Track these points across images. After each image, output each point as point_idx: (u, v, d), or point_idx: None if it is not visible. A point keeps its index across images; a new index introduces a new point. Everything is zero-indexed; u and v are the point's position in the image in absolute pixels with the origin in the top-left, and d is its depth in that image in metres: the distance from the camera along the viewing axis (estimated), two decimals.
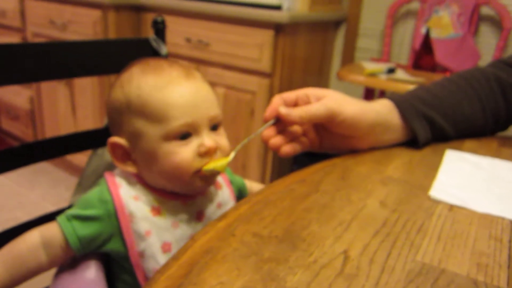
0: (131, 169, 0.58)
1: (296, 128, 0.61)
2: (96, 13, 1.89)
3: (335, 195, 0.50)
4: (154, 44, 0.78)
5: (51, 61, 0.70)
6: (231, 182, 0.68)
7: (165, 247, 0.56)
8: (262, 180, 1.76)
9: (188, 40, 1.77)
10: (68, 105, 2.15)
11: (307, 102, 0.60)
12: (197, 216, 0.60)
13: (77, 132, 0.76)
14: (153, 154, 0.55)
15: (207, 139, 0.55)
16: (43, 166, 2.38)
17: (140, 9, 1.92)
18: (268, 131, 0.58)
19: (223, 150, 0.57)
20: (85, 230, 0.54)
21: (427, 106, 0.67)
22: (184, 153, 0.54)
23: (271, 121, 0.58)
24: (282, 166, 1.80)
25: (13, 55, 0.65)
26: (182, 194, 0.59)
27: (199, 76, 0.59)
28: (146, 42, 0.78)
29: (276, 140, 0.58)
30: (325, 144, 0.65)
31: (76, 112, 2.14)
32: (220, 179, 0.66)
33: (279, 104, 0.59)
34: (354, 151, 0.64)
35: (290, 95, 0.61)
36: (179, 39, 1.79)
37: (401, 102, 0.66)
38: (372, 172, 0.57)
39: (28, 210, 1.91)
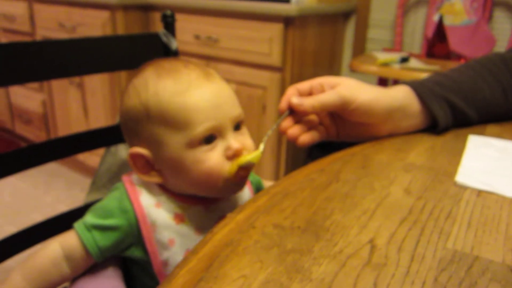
0: (156, 179, 0.54)
1: (313, 117, 0.60)
2: (104, 14, 1.89)
3: (356, 183, 0.49)
4: (164, 38, 0.76)
5: (61, 59, 0.69)
6: (251, 182, 0.66)
7: None
8: (276, 175, 1.74)
9: (197, 37, 1.76)
10: (80, 107, 2.16)
11: (321, 91, 0.59)
12: (220, 221, 0.58)
13: (89, 130, 0.75)
14: (180, 163, 0.52)
15: (233, 141, 0.52)
16: (58, 169, 2.39)
17: (148, 8, 1.92)
18: (285, 122, 0.57)
19: (248, 150, 0.54)
20: (106, 240, 0.53)
21: (446, 90, 0.64)
22: (212, 160, 0.51)
23: (286, 112, 0.57)
24: (296, 161, 1.78)
25: (22, 54, 0.65)
26: (205, 198, 0.56)
27: (217, 75, 0.56)
28: (156, 37, 0.77)
29: (294, 130, 0.57)
30: (342, 132, 0.63)
31: (88, 114, 2.14)
32: None
33: (292, 94, 0.58)
34: (372, 140, 0.62)
35: (304, 84, 0.59)
36: (188, 36, 1.78)
37: (419, 86, 0.64)
38: (394, 160, 0.55)
39: (44, 212, 1.91)
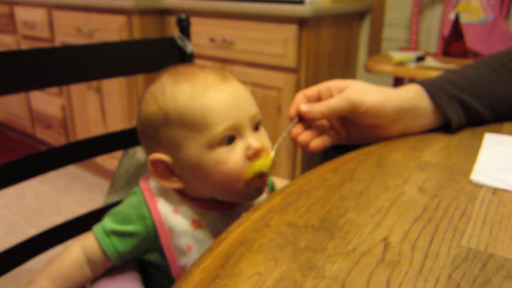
0: (177, 185, 0.54)
1: (323, 122, 0.60)
2: (121, 19, 1.92)
3: (370, 182, 0.49)
4: (179, 42, 0.78)
5: (79, 63, 0.70)
6: (267, 185, 0.66)
7: None
8: (292, 176, 1.75)
9: (212, 40, 1.77)
10: (98, 111, 2.20)
11: (330, 95, 0.59)
12: None
13: (107, 134, 0.76)
14: (200, 165, 0.52)
15: (253, 140, 0.52)
16: (78, 173, 2.44)
17: (164, 13, 1.94)
18: (296, 129, 0.58)
19: (267, 149, 0.54)
20: (125, 245, 0.54)
21: (458, 88, 0.64)
22: (233, 160, 0.51)
23: (296, 119, 0.58)
24: (312, 162, 1.78)
25: (42, 60, 0.67)
26: (223, 203, 0.57)
27: (233, 77, 0.56)
28: (171, 40, 0.78)
29: (304, 136, 0.57)
30: (353, 135, 0.63)
31: (106, 118, 2.18)
32: None
33: (301, 101, 0.58)
34: (387, 139, 0.62)
35: (312, 90, 0.60)
36: (203, 39, 1.80)
37: (430, 85, 0.63)
38: (408, 159, 0.55)
39: (65, 214, 1.95)
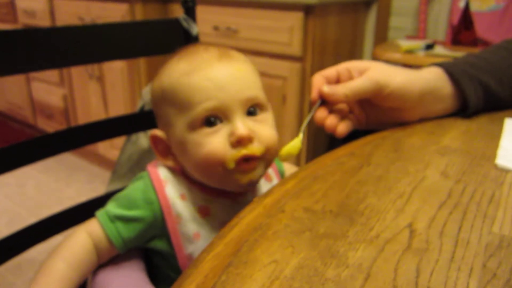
0: (170, 163, 0.53)
1: (343, 106, 0.57)
2: (123, 7, 1.88)
3: (389, 167, 0.46)
4: (184, 24, 0.74)
5: (79, 45, 0.67)
6: (278, 171, 0.63)
7: None
8: (297, 165, 1.72)
9: (216, 28, 1.74)
10: (100, 101, 2.17)
11: (350, 77, 0.56)
12: None
13: (108, 119, 0.73)
14: (183, 146, 0.50)
15: (239, 126, 0.47)
16: (79, 163, 2.41)
17: (167, 0, 1.90)
18: (321, 113, 0.54)
19: (262, 139, 0.49)
20: (130, 231, 0.51)
21: (479, 71, 0.61)
22: (211, 144, 0.47)
23: (318, 102, 0.54)
24: (317, 152, 1.75)
25: (40, 40, 0.63)
26: (231, 191, 0.54)
27: (238, 56, 0.53)
28: (176, 22, 0.75)
29: (331, 121, 0.54)
30: (371, 119, 0.60)
31: (108, 107, 2.15)
32: (270, 170, 0.60)
33: (321, 83, 0.54)
34: (402, 124, 0.59)
35: (331, 71, 0.56)
36: (207, 27, 1.76)
37: (452, 67, 0.60)
38: (427, 143, 0.52)
39: (66, 205, 1.91)
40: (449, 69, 0.60)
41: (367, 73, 0.54)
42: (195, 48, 0.53)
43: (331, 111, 0.55)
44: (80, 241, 0.51)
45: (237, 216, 0.37)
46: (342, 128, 0.54)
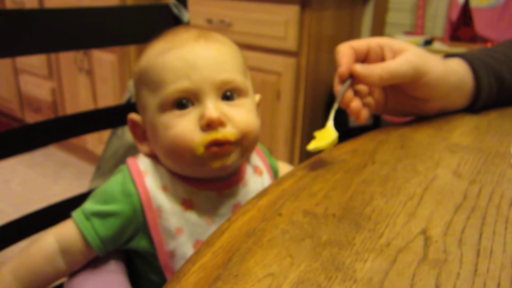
0: (146, 149, 0.50)
1: (364, 87, 0.50)
2: None
3: (396, 165, 0.42)
4: (174, 10, 0.70)
5: (64, 29, 0.62)
6: (270, 166, 0.58)
7: (198, 246, 0.48)
8: (290, 163, 1.68)
9: (210, 21, 1.69)
10: (89, 95, 2.11)
11: (381, 55, 0.50)
12: (234, 209, 0.51)
13: (95, 109, 0.68)
14: (154, 129, 0.47)
15: (210, 109, 0.43)
16: (67, 158, 2.36)
17: None
18: (348, 93, 0.47)
19: (237, 124, 0.45)
20: (107, 228, 0.46)
21: (496, 63, 0.56)
22: (179, 126, 0.44)
23: (349, 81, 0.47)
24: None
25: (23, 23, 0.59)
26: (216, 181, 0.50)
27: (218, 37, 0.49)
28: (166, 8, 0.70)
29: (357, 103, 0.47)
30: (390, 106, 0.54)
31: (98, 101, 2.09)
32: (260, 164, 0.56)
33: (349, 56, 0.48)
34: (403, 117, 0.55)
35: (361, 44, 0.49)
36: (200, 20, 1.71)
37: (473, 59, 0.55)
38: (435, 140, 0.48)
39: (52, 201, 1.87)
40: (472, 62, 0.55)
41: (405, 56, 0.48)
42: (177, 29, 0.50)
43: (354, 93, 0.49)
44: (42, 247, 0.46)
45: (228, 219, 0.33)
46: (365, 113, 0.48)
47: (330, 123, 0.45)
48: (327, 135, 0.43)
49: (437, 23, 1.74)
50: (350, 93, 0.47)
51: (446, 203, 0.35)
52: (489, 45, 1.51)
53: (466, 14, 1.57)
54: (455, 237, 0.31)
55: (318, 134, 0.44)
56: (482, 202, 0.35)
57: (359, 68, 0.47)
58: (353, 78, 0.47)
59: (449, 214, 0.33)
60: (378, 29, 1.84)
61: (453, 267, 0.27)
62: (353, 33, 1.83)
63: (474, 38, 1.58)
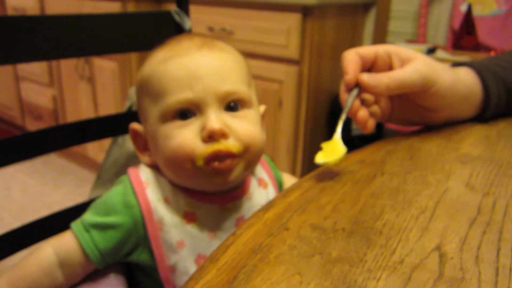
0: (147, 159, 0.49)
1: (369, 96, 0.49)
2: (115, 6, 1.82)
3: (406, 177, 0.40)
4: (176, 17, 0.69)
5: (65, 35, 0.61)
6: (275, 179, 0.57)
7: (200, 261, 0.46)
8: (292, 174, 1.66)
9: (211, 29, 1.68)
10: (90, 102, 2.10)
11: (389, 63, 0.48)
12: (238, 223, 0.49)
13: (94, 118, 0.67)
14: (155, 139, 0.46)
15: (212, 121, 0.42)
16: (67, 166, 2.34)
17: (160, 0, 1.85)
18: (355, 102, 0.46)
19: (240, 135, 0.43)
20: (107, 241, 0.45)
21: (505, 72, 0.55)
22: (181, 137, 0.43)
23: (356, 90, 0.46)
24: (313, 159, 1.69)
25: (23, 28, 0.58)
26: (219, 194, 0.48)
27: (222, 46, 0.48)
28: (167, 15, 0.69)
29: (364, 114, 0.46)
30: (396, 115, 0.53)
31: (99, 109, 2.08)
32: (265, 176, 0.55)
33: (355, 63, 0.46)
34: (409, 127, 0.54)
35: (368, 51, 0.48)
36: (202, 28, 1.71)
37: (481, 68, 0.54)
38: (445, 150, 0.47)
39: (52, 209, 1.85)
40: (480, 71, 0.54)
41: (414, 65, 0.47)
42: (181, 37, 0.50)
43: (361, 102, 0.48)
44: (39, 259, 0.45)
45: (232, 234, 0.32)
46: (372, 122, 0.47)
47: (338, 136, 0.43)
48: (335, 149, 0.41)
49: (439, 31, 1.73)
50: (357, 103, 0.46)
51: (460, 217, 0.34)
52: (492, 53, 1.50)
53: (468, 22, 1.56)
54: (471, 253, 0.29)
55: (325, 146, 0.42)
56: (497, 216, 0.34)
57: (366, 77, 0.45)
58: (359, 87, 0.46)
59: (463, 229, 0.32)
60: (380, 38, 1.84)
61: (471, 287, 0.26)
62: (354, 42, 1.83)
63: (477, 46, 1.57)
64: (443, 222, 0.33)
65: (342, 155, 0.41)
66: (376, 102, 0.50)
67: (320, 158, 0.41)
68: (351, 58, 0.46)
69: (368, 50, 0.48)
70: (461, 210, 0.35)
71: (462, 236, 0.31)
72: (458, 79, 0.50)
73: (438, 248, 0.30)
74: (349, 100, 0.45)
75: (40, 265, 0.45)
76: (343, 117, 0.44)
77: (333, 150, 0.41)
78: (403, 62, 0.48)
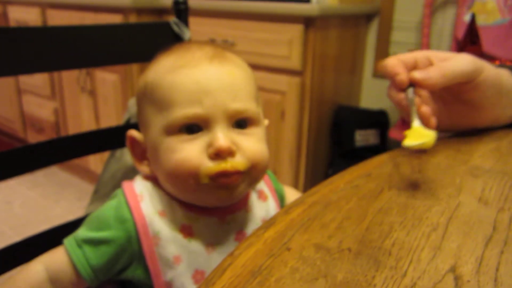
0: (145, 169, 0.48)
1: (418, 100, 0.48)
2: (117, 18, 1.82)
3: (415, 191, 0.38)
4: (175, 28, 0.67)
5: (66, 46, 0.60)
6: (276, 191, 0.55)
7: (197, 276, 0.45)
8: (294, 186, 1.64)
9: (213, 40, 1.68)
10: (92, 115, 2.09)
11: (430, 65, 0.48)
12: (237, 236, 0.47)
13: (95, 130, 0.66)
14: (156, 150, 0.44)
15: (219, 136, 0.41)
16: (68, 179, 2.33)
17: (162, 12, 1.84)
18: (416, 99, 0.45)
19: (246, 153, 0.42)
20: (99, 257, 0.43)
21: None
22: (185, 151, 0.41)
23: (412, 89, 0.45)
24: (316, 171, 1.67)
25: (25, 40, 0.57)
26: (218, 208, 0.47)
27: (233, 59, 0.46)
28: (166, 26, 0.68)
29: (426, 108, 0.44)
30: (442, 120, 0.51)
31: (100, 122, 2.07)
32: (265, 188, 0.53)
33: (399, 67, 0.46)
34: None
35: (408, 57, 0.48)
36: (203, 39, 1.70)
37: None
38: (455, 163, 0.45)
39: (53, 223, 1.83)
40: None
41: (459, 56, 0.47)
42: (190, 44, 0.48)
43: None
44: (30, 276, 0.43)
45: (230, 254, 0.29)
46: (434, 119, 0.45)
47: (417, 123, 0.42)
48: (421, 133, 0.40)
49: (443, 41, 1.72)
50: (417, 99, 0.45)
51: (475, 235, 0.31)
52: (497, 63, 1.48)
53: (472, 32, 1.55)
54: (489, 276, 0.27)
55: (408, 133, 0.41)
56: None
57: (417, 74, 0.45)
58: (413, 86, 0.45)
59: (479, 248, 0.30)
60: (382, 48, 1.82)
61: None
62: (357, 52, 1.81)
63: (481, 56, 1.56)
64: (457, 241, 0.31)
65: (434, 137, 0.39)
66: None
67: (409, 141, 0.39)
68: (395, 63, 0.46)
69: (408, 55, 0.48)
70: (475, 227, 0.32)
71: (478, 256, 0.29)
72: (501, 73, 0.50)
73: (453, 269, 0.27)
74: (410, 93, 0.45)
75: (30, 282, 0.43)
76: (414, 109, 0.43)
77: (420, 135, 0.40)
78: (444, 61, 0.47)
